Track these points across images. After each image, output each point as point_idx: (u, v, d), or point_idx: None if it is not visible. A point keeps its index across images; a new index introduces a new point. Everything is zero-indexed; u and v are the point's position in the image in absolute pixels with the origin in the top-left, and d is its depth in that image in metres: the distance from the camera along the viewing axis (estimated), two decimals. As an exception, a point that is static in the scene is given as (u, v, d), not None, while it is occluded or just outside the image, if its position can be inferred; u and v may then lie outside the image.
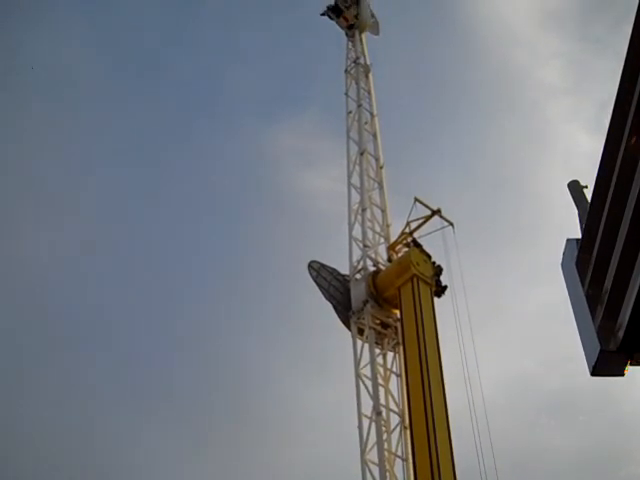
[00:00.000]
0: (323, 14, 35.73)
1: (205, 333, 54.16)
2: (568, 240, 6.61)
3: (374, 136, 30.97)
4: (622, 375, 5.97)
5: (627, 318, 5.68)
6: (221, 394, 52.03)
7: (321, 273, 26.42)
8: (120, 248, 56.85)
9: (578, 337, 6.24)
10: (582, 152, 57.09)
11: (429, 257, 25.90)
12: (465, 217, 29.16)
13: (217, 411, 51.22)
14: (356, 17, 35.04)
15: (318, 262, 26.76)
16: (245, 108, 64.54)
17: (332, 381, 50.42)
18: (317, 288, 26.33)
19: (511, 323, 50.22)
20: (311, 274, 26.43)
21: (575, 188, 6.80)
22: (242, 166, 60.98)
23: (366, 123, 31.22)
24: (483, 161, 57.17)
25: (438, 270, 25.76)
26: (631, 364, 5.91)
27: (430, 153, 59.15)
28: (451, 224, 26.93)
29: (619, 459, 51.14)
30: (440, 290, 25.53)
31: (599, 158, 6.27)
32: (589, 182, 6.88)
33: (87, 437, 47.92)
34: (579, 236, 6.51)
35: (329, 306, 26.08)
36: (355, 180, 29.08)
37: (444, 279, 25.78)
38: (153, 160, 60.04)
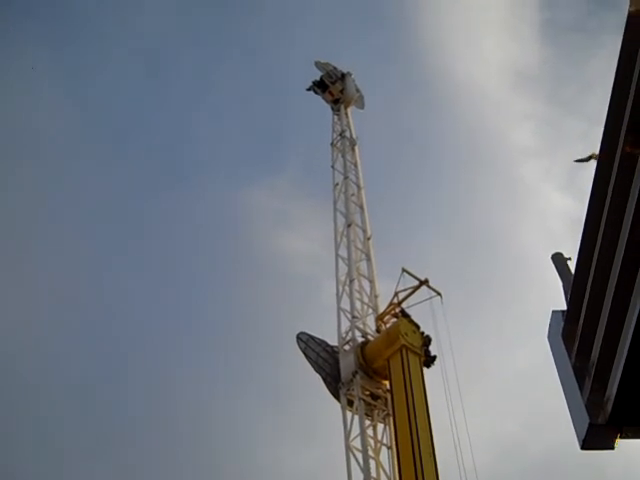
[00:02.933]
0: (309, 89, 36.38)
1: (191, 405, 53.58)
2: (554, 312, 6.64)
3: (361, 208, 31.23)
4: (612, 449, 5.92)
5: (615, 391, 5.67)
6: (194, 460, 51.42)
7: (309, 345, 26.33)
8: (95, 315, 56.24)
9: (559, 401, 6.23)
10: (556, 211, 57.81)
11: (418, 327, 25.86)
12: (442, 279, 29.20)
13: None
14: (341, 92, 35.64)
15: (306, 333, 26.69)
16: (217, 169, 64.96)
17: (318, 447, 50.00)
18: (301, 353, 26.26)
19: (493, 386, 49.93)
20: (300, 346, 26.33)
21: (559, 260, 6.87)
22: (217, 229, 61.00)
23: (353, 195, 31.50)
24: (459, 224, 57.74)
25: (427, 340, 25.69)
26: (621, 437, 5.87)
27: (413, 220, 59.60)
28: (439, 294, 26.98)
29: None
30: (429, 360, 25.42)
31: (581, 229, 6.35)
32: (567, 247, 6.98)
33: None
34: (564, 307, 6.54)
35: (310, 370, 25.97)
36: (342, 251, 29.22)
37: (433, 349, 25.75)
38: (124, 222, 59.77)
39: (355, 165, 32.87)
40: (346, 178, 31.96)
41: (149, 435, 52.90)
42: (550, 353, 6.67)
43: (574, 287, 6.33)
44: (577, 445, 5.99)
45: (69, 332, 55.79)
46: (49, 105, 59.70)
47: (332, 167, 32.68)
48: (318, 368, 25.93)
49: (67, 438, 51.45)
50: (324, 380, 25.77)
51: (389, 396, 24.77)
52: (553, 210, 59.20)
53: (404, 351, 24.59)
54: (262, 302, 55.26)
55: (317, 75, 36.24)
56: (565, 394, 6.26)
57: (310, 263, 58.17)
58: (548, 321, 6.90)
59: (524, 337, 51.37)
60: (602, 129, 5.73)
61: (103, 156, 61.14)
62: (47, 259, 56.45)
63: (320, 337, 26.86)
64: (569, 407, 6.17)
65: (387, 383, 25.14)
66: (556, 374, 6.57)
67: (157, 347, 57.64)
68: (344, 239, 29.54)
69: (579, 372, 6.17)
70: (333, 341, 26.84)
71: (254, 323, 54.34)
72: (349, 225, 29.94)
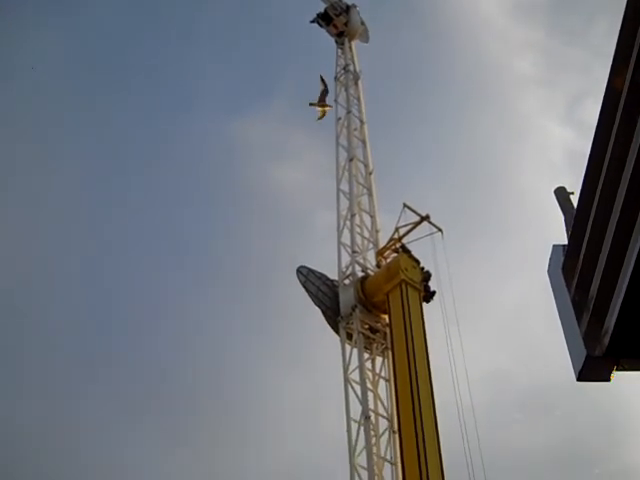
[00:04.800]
0: (313, 21, 35.84)
1: (191, 334, 54.18)
2: (554, 246, 6.67)
3: (363, 142, 31.08)
4: (608, 380, 6.03)
5: (613, 323, 5.74)
6: (203, 387, 52.23)
7: (309, 278, 26.49)
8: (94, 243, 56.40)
9: (553, 335, 6.30)
10: (556, 144, 57.58)
11: (418, 263, 25.97)
12: (443, 215, 29.25)
13: (199, 405, 51.37)
14: (345, 25, 35.16)
15: (306, 267, 26.84)
16: (210, 99, 64.27)
17: (311, 378, 50.71)
18: (299, 285, 26.49)
19: (490, 320, 50.45)
20: (300, 279, 26.50)
21: (561, 194, 6.87)
22: (208, 160, 60.64)
23: (355, 129, 31.33)
24: (459, 159, 57.40)
25: (427, 276, 25.83)
26: (617, 369, 5.96)
27: (414, 155, 59.32)
28: (440, 230, 27.03)
29: (595, 456, 51.49)
30: (429, 295, 25.61)
31: (583, 162, 6.34)
32: (567, 181, 6.98)
33: (69, 431, 48.05)
34: (565, 242, 6.57)
35: (306, 300, 26.23)
36: (344, 186, 29.20)
37: (432, 284, 25.92)
38: (117, 151, 59.37)
39: (358, 99, 32.60)
40: (349, 112, 31.72)
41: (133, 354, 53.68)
42: (549, 287, 6.73)
43: (576, 221, 6.36)
44: (568, 378, 6.09)
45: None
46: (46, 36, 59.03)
47: (335, 101, 32.44)
48: (318, 302, 26.13)
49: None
50: (324, 313, 25.99)
51: (388, 330, 25.02)
52: (553, 142, 58.95)
53: (404, 286, 24.75)
54: (256, 234, 55.24)
55: (321, 7, 35.72)
56: (563, 327, 6.33)
57: (303, 194, 58.22)
58: (547, 255, 6.94)
59: (521, 272, 51.83)
60: (607, 60, 5.69)
61: (103, 83, 60.22)
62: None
63: (319, 270, 27.02)
64: (567, 340, 6.25)
65: (386, 317, 25.37)
66: (553, 308, 6.65)
67: (155, 276, 57.99)
68: (346, 173, 29.49)
69: (578, 306, 6.24)
70: (332, 274, 27.03)
71: (249, 256, 54.52)
72: (351, 159, 29.85)
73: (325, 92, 31.01)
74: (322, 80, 31.54)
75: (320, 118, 32.00)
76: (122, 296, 56.59)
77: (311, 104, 31.57)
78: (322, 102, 30.62)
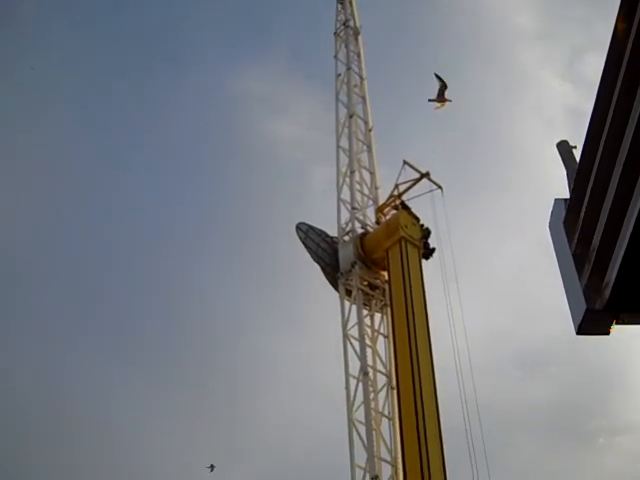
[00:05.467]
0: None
1: (180, 284, 54.36)
2: (556, 200, 6.63)
3: (363, 99, 30.89)
4: (607, 334, 6.03)
5: (614, 276, 5.72)
6: (190, 341, 52.63)
7: (309, 235, 26.51)
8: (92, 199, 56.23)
9: (550, 291, 6.30)
10: (555, 98, 57.21)
11: (417, 220, 25.99)
12: (442, 172, 29.11)
13: (186, 357, 51.81)
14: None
15: (306, 224, 26.84)
16: (205, 51, 63.55)
17: (305, 335, 51.06)
18: (298, 241, 26.51)
19: (486, 277, 50.68)
20: (299, 235, 26.52)
21: (564, 148, 6.82)
22: (204, 114, 60.14)
23: (355, 86, 31.11)
24: (458, 114, 56.94)
25: (426, 233, 25.87)
26: (617, 323, 5.97)
27: (414, 112, 58.86)
28: (439, 187, 27.02)
29: (589, 412, 52.14)
30: (428, 252, 25.67)
31: (581, 117, 6.30)
32: (565, 136, 6.93)
33: (57, 381, 48.52)
34: (567, 196, 6.54)
35: (305, 257, 26.29)
36: (343, 143, 29.07)
37: (432, 241, 25.95)
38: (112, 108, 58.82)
39: (358, 55, 32.33)
40: (349, 69, 31.48)
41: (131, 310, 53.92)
42: (548, 244, 6.73)
43: (578, 175, 6.31)
44: (567, 335, 6.10)
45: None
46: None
47: (335, 57, 32.14)
48: (317, 258, 26.18)
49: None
50: (323, 270, 26.06)
51: (387, 287, 25.13)
52: (552, 97, 58.51)
53: (403, 243, 24.78)
54: (254, 189, 55.11)
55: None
56: (564, 281, 6.32)
57: (298, 148, 58.00)
58: (545, 212, 6.92)
59: (520, 229, 51.96)
60: (609, 14, 5.61)
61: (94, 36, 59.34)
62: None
63: (319, 227, 27.02)
64: (567, 294, 6.24)
65: (385, 274, 25.45)
66: (551, 265, 6.64)
67: (155, 233, 58.03)
68: (345, 130, 29.35)
69: (579, 259, 6.22)
70: (331, 231, 27.04)
71: (245, 210, 54.48)
72: (351, 116, 29.69)
73: (444, 87, 30.38)
74: (438, 77, 30.79)
75: (438, 107, 31.25)
76: (122, 250, 56.72)
77: (430, 100, 30.92)
78: (441, 98, 30.02)
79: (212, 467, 24.38)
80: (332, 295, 25.81)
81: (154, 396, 51.03)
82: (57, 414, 47.96)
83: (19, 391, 47.12)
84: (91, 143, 56.41)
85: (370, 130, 29.91)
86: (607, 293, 5.81)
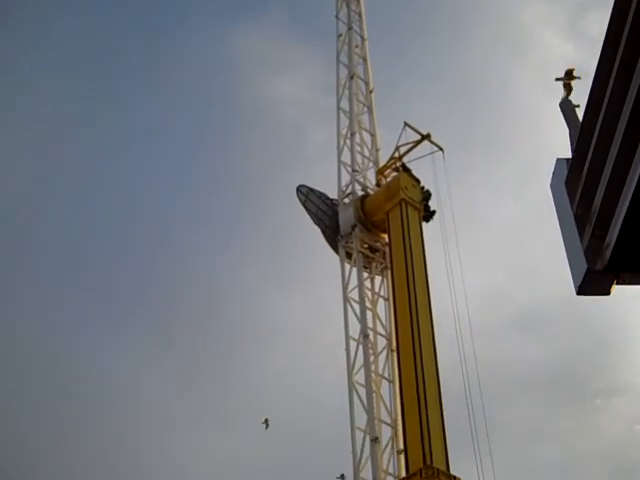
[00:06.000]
0: None
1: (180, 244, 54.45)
2: (558, 160, 6.56)
3: (364, 60, 30.62)
4: (608, 294, 6.01)
5: (615, 237, 5.68)
6: (188, 303, 52.81)
7: (309, 197, 26.44)
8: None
9: (550, 253, 6.26)
10: (556, 59, 56.69)
11: (418, 182, 25.89)
12: (442, 133, 28.93)
13: (183, 318, 52.04)
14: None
15: (306, 186, 26.76)
16: (205, 10, 62.73)
17: (305, 297, 51.16)
18: (298, 203, 26.47)
19: (486, 239, 50.71)
20: (299, 198, 26.45)
21: (567, 107, 6.75)
22: (202, 74, 59.52)
23: (356, 47, 30.81)
24: (458, 76, 56.40)
25: (427, 195, 25.80)
26: (617, 283, 5.94)
27: (414, 73, 58.42)
28: (440, 149, 26.88)
29: (587, 374, 52.46)
30: (428, 215, 25.61)
31: (592, 76, 6.21)
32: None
33: (52, 341, 48.84)
34: (569, 156, 6.47)
35: (305, 219, 26.27)
36: (344, 104, 28.86)
37: (432, 203, 25.90)
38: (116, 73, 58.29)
39: (360, 15, 31.96)
40: (350, 29, 31.16)
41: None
42: (547, 205, 6.68)
43: (581, 135, 6.24)
44: (565, 296, 6.07)
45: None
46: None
47: (336, 17, 31.77)
48: (317, 220, 26.14)
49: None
50: (323, 232, 26.04)
51: (387, 249, 25.10)
52: (553, 57, 57.91)
53: (403, 205, 24.71)
54: (252, 149, 54.81)
55: None
56: (565, 241, 6.28)
57: (297, 109, 57.64)
58: (544, 173, 6.86)
59: (519, 190, 51.84)
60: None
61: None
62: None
63: (318, 189, 26.95)
64: (568, 254, 6.21)
65: (386, 236, 25.41)
66: (550, 226, 6.59)
67: (155, 195, 57.97)
68: (346, 91, 29.11)
69: (580, 220, 6.17)
70: (330, 192, 26.99)
71: (244, 168, 54.27)
72: (352, 77, 29.44)
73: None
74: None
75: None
76: (122, 211, 56.70)
77: (557, 79, 30.26)
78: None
79: (266, 422, 23.61)
80: (332, 258, 25.83)
81: (151, 357, 51.40)
82: (55, 375, 48.33)
83: (14, 349, 47.42)
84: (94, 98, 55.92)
85: (371, 91, 29.70)
86: (608, 253, 5.77)
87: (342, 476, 22.87)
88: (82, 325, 51.36)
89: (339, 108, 28.70)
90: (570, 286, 6.13)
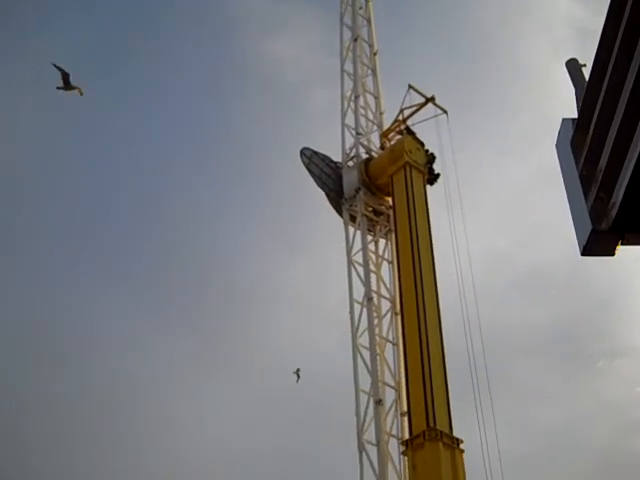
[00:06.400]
0: None
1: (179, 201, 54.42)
2: (564, 120, 6.51)
3: (368, 21, 30.32)
4: (613, 255, 6.00)
5: (620, 197, 5.66)
6: (189, 263, 52.95)
7: (313, 160, 26.34)
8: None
9: (553, 215, 6.25)
10: (562, 18, 56.16)
11: (422, 145, 25.79)
12: (446, 95, 28.70)
13: (184, 280, 52.23)
14: None
15: (310, 149, 26.65)
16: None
17: (308, 260, 51.24)
18: (301, 166, 26.40)
19: (489, 201, 50.56)
20: (303, 161, 26.36)
21: (573, 67, 6.67)
22: (204, 32, 58.86)
23: (360, 8, 30.49)
24: (463, 34, 55.69)
25: (431, 158, 25.71)
26: (622, 244, 5.93)
27: (418, 35, 57.79)
28: (445, 112, 26.73)
29: (589, 336, 52.68)
30: (433, 178, 25.56)
31: (598, 35, 6.14)
32: (575, 54, 6.78)
33: (51, 303, 49.13)
34: (575, 116, 6.43)
35: (306, 180, 26.23)
36: (348, 66, 28.65)
37: (436, 166, 25.82)
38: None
39: (364, -25, 31.56)
40: (354, -10, 30.80)
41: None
42: (550, 167, 6.64)
43: (587, 94, 6.19)
44: (568, 258, 6.07)
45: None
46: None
47: (340, -22, 31.40)
48: (321, 184, 26.08)
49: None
50: (327, 196, 26.00)
51: (392, 212, 25.06)
52: (559, 16, 57.26)
53: (408, 168, 24.65)
54: (253, 110, 54.46)
55: None
56: (569, 202, 6.26)
57: (299, 70, 57.22)
58: (548, 135, 6.83)
59: (523, 152, 51.60)
60: None
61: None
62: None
63: (322, 152, 26.85)
64: (572, 214, 6.19)
65: (390, 200, 25.37)
66: (554, 188, 6.57)
67: (157, 155, 57.84)
68: (350, 53, 28.87)
69: (585, 180, 6.14)
70: (334, 155, 26.91)
71: (244, 130, 53.94)
72: (355, 39, 29.16)
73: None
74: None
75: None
76: (123, 171, 56.65)
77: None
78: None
79: (298, 372, 23.42)
80: (336, 221, 25.83)
81: (152, 317, 51.62)
82: (52, 334, 48.70)
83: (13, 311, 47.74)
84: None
85: (375, 54, 29.45)
86: (613, 214, 5.76)
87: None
88: (83, 279, 51.61)
89: (343, 70, 28.48)
90: (573, 249, 6.12)
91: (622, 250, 6.04)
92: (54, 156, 53.48)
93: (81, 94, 25.93)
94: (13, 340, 45.75)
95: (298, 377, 23.82)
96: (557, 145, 6.56)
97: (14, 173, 49.97)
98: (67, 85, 25.81)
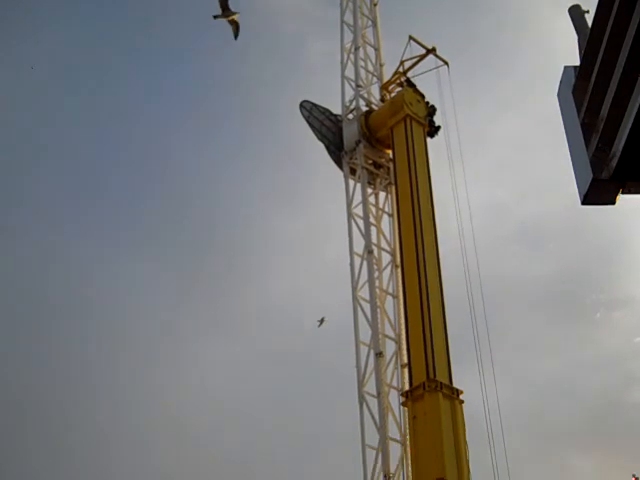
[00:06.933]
0: None
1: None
2: (566, 67, 6.47)
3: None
4: (613, 203, 6.01)
5: (621, 146, 5.65)
6: (190, 217, 53.03)
7: (313, 113, 26.15)
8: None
9: (553, 167, 6.24)
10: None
11: (423, 97, 25.59)
12: (447, 47, 28.39)
13: (185, 232, 52.32)
14: None
15: (310, 102, 26.44)
16: None
17: (308, 213, 51.17)
18: (298, 118, 26.26)
19: (488, 154, 50.39)
20: (303, 114, 26.16)
21: (576, 13, 6.60)
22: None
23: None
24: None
25: (431, 110, 25.52)
26: (623, 192, 5.93)
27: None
28: (446, 63, 26.48)
29: (588, 287, 52.92)
30: (433, 130, 25.40)
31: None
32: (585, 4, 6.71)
33: (54, 252, 49.36)
34: (577, 63, 6.37)
35: (306, 133, 26.10)
36: (348, 17, 28.29)
37: (437, 119, 25.66)
38: None
39: None
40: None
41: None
42: (549, 119, 6.61)
43: (589, 41, 6.14)
44: (567, 210, 6.07)
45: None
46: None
47: None
48: (321, 136, 25.93)
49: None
50: (327, 148, 25.86)
51: (392, 165, 24.96)
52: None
53: (408, 120, 24.50)
54: (250, 60, 53.87)
55: None
56: (571, 151, 6.25)
57: (298, 21, 56.57)
58: (549, 87, 6.78)
59: (522, 104, 51.17)
60: None
61: None
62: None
63: (322, 105, 26.65)
64: (574, 163, 6.19)
65: (390, 152, 25.25)
66: (554, 138, 6.54)
67: (154, 105, 57.52)
68: (350, 4, 28.48)
69: (587, 129, 6.13)
70: (333, 108, 26.72)
71: (245, 86, 53.54)
72: (355, -11, 28.77)
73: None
74: None
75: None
76: (127, 123, 56.34)
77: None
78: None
79: (322, 321, 23.17)
80: (336, 174, 25.75)
81: (153, 269, 51.79)
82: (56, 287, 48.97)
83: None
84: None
85: (375, 4, 29.04)
86: (614, 162, 5.75)
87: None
88: (86, 237, 51.75)
89: (342, 22, 28.10)
90: (572, 200, 6.12)
91: (622, 199, 6.04)
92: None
93: (237, 24, 25.37)
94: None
95: (320, 323, 23.69)
96: (559, 94, 6.52)
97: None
98: (225, 11, 25.32)
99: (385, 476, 20.85)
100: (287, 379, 44.28)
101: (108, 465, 41.58)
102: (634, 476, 25.26)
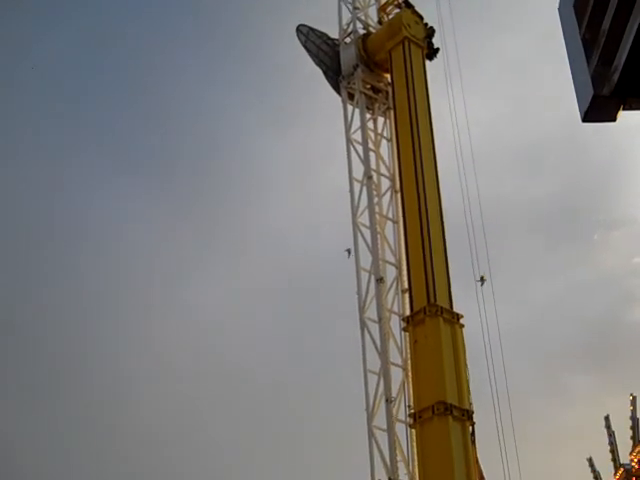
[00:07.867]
0: None
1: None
2: (567, -20, 6.27)
3: None
4: (614, 120, 5.87)
5: (623, 61, 5.49)
6: (187, 146, 52.88)
7: (310, 37, 25.71)
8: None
9: (552, 86, 6.10)
10: None
11: (421, 18, 25.10)
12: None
13: (181, 162, 52.28)
14: None
15: (307, 26, 25.97)
16: None
17: (306, 140, 50.96)
18: (294, 43, 25.87)
19: (486, 71, 49.73)
20: (300, 39, 25.73)
21: None
22: None
23: None
24: None
25: (430, 32, 25.06)
26: (624, 109, 5.80)
27: None
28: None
29: (587, 209, 52.94)
30: (432, 52, 24.98)
31: None
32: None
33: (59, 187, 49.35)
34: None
35: (303, 58, 25.73)
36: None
37: (435, 41, 25.20)
38: None
39: None
40: None
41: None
42: (548, 35, 6.45)
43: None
44: (567, 131, 5.95)
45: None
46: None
47: None
48: (319, 62, 25.55)
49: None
50: (325, 74, 25.51)
51: (390, 89, 24.64)
52: None
53: (406, 43, 24.10)
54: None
55: None
56: (571, 67, 6.09)
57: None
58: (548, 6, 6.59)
59: (520, 22, 50.33)
60: None
61: None
62: None
63: (320, 29, 26.17)
64: (574, 79, 6.04)
65: (388, 76, 24.89)
66: (553, 57, 6.40)
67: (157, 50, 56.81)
68: None
69: (588, 44, 5.95)
70: (331, 32, 26.23)
71: (239, 10, 52.79)
72: None
73: None
74: None
75: None
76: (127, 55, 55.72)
77: None
78: None
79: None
80: (334, 99, 25.44)
81: (151, 201, 51.85)
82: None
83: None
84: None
85: None
86: (615, 78, 5.60)
87: (482, 278, 21.87)
88: (85, 170, 51.77)
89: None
90: (572, 120, 6.02)
91: (623, 115, 5.92)
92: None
93: None
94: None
95: (349, 254, 23.49)
96: (560, 8, 6.33)
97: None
98: None
99: (387, 400, 21.13)
100: (286, 305, 44.83)
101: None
102: (632, 395, 25.62)
